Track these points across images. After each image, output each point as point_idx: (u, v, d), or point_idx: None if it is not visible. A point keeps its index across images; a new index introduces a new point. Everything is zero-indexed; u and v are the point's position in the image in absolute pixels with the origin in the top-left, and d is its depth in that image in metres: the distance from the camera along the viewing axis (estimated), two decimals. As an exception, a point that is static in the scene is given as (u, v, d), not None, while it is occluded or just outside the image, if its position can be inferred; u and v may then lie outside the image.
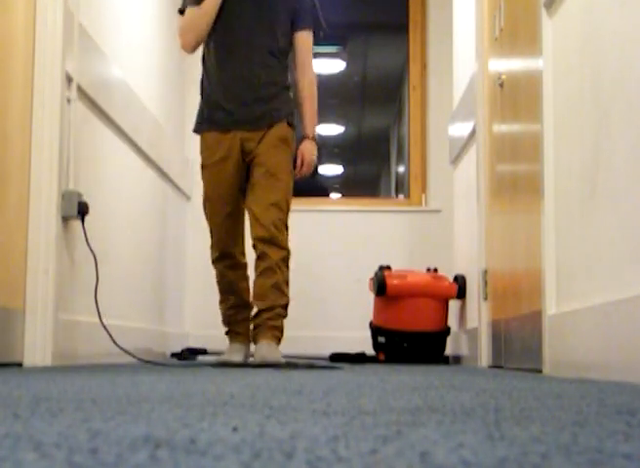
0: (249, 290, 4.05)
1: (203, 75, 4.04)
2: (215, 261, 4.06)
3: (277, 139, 3.98)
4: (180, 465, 0.61)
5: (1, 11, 3.17)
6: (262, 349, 3.82)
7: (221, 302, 4.12)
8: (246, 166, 3.99)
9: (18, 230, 3.33)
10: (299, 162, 4.11)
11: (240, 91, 3.94)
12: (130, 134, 4.52)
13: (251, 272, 3.99)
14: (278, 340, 3.90)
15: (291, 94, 4.07)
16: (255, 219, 3.91)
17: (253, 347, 4.00)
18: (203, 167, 4.05)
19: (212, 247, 4.04)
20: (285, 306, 3.92)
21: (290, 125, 4.03)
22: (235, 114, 3.95)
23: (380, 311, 5.14)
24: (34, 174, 3.42)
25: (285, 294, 3.92)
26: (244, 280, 4.09)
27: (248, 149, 3.97)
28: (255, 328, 3.92)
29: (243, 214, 4.06)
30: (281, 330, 3.92)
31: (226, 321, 4.11)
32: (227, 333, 4.12)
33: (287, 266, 3.93)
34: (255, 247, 3.91)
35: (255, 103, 3.95)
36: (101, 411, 1.05)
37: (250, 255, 4.01)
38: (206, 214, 4.04)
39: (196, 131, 4.09)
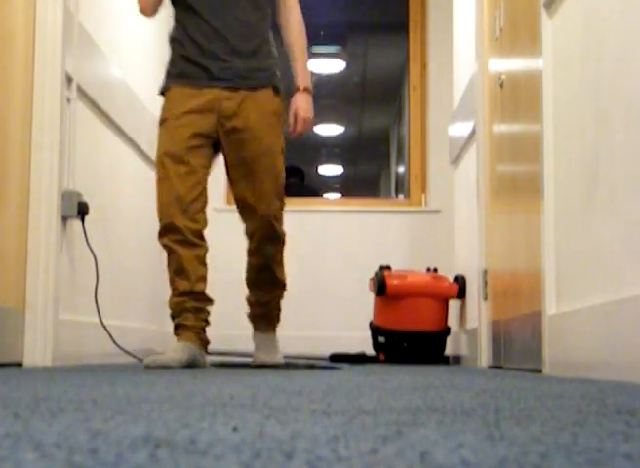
0: (205, 279, 3.41)
1: (173, 30, 3.53)
2: (160, 235, 3.38)
3: (270, 113, 3.46)
4: (180, 465, 0.61)
5: (1, 11, 3.17)
6: (261, 350, 3.69)
7: (172, 290, 3.41)
8: (219, 130, 3.41)
9: (18, 230, 3.33)
10: (291, 119, 3.51)
11: (217, 44, 3.41)
12: (130, 134, 4.52)
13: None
14: (274, 329, 3.74)
15: (273, 48, 3.53)
16: (250, 210, 3.46)
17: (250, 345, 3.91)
18: (161, 122, 3.42)
19: (158, 217, 3.40)
20: (282, 294, 3.70)
21: (276, 90, 3.49)
22: (212, 70, 3.41)
23: (380, 311, 5.14)
24: (34, 174, 3.42)
25: (284, 282, 3.66)
26: (200, 264, 3.39)
27: (226, 112, 3.40)
28: (252, 316, 3.71)
29: (202, 186, 3.40)
30: (279, 315, 3.74)
31: (174, 312, 3.41)
32: (174, 330, 3.44)
33: (283, 252, 3.60)
34: (250, 238, 3.52)
35: (234, 58, 3.42)
36: (101, 411, 1.05)
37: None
38: (158, 174, 3.39)
39: (162, 90, 3.49)
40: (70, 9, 3.61)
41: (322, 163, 13.42)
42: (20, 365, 3.31)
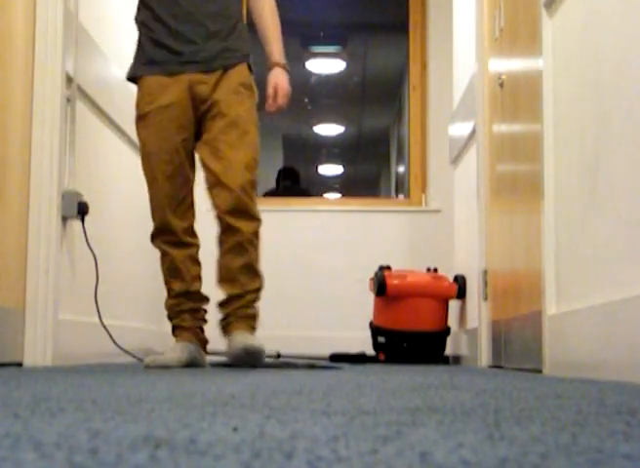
0: (199, 278, 3.39)
1: (139, 12, 3.44)
2: (153, 237, 3.37)
3: (238, 85, 3.31)
4: (180, 465, 0.61)
5: (1, 11, 3.17)
6: (237, 338, 3.22)
7: (167, 291, 3.41)
8: (197, 117, 3.32)
9: (18, 230, 3.33)
10: (271, 91, 3.38)
11: (187, 26, 3.30)
12: (130, 134, 4.52)
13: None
14: (253, 330, 3.30)
15: (245, 29, 3.44)
16: (218, 184, 3.23)
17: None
18: (140, 117, 3.36)
19: (152, 219, 3.37)
20: (259, 289, 3.33)
21: (250, 68, 3.38)
22: (184, 54, 3.30)
23: (380, 311, 5.14)
24: (34, 174, 3.42)
25: (258, 275, 3.32)
26: (193, 263, 3.36)
27: (201, 95, 3.29)
28: (224, 317, 3.32)
29: (190, 181, 3.36)
30: (256, 317, 3.33)
31: (170, 314, 3.41)
32: (172, 332, 3.43)
33: (259, 240, 3.30)
34: (220, 219, 3.26)
35: (207, 41, 3.31)
36: (101, 411, 1.05)
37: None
38: (146, 176, 3.34)
39: (132, 76, 3.41)
40: (70, 9, 3.61)
41: (322, 163, 13.42)
42: (20, 365, 3.31)
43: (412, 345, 5.06)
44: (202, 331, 3.42)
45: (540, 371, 3.11)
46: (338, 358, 5.13)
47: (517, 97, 3.73)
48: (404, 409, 1.14)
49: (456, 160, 5.33)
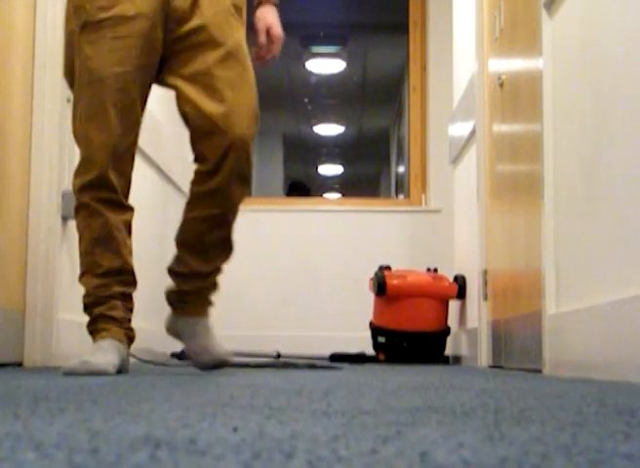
0: (131, 253, 2.62)
1: None
2: (82, 190, 2.51)
3: (232, 6, 2.59)
4: (180, 465, 0.61)
5: (1, 10, 3.17)
6: (201, 339, 2.62)
7: (87, 267, 2.54)
8: (167, 41, 2.54)
9: (18, 230, 3.33)
10: (262, 37, 2.66)
11: None
12: (130, 134, 4.52)
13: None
14: (209, 310, 2.71)
15: None
16: (214, 132, 2.48)
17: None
18: (87, 26, 2.48)
19: (80, 167, 2.53)
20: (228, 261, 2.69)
21: None
22: None
23: (379, 311, 5.14)
24: (34, 174, 3.42)
25: (232, 248, 2.66)
26: (128, 233, 2.64)
27: (177, 11, 2.52)
28: (181, 293, 2.67)
29: (139, 126, 2.59)
30: (214, 292, 2.71)
31: (92, 299, 2.53)
32: (91, 325, 2.53)
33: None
34: (203, 175, 2.54)
35: None
36: (101, 411, 1.05)
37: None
38: (85, 111, 2.50)
39: None
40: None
41: (322, 163, 13.43)
42: (20, 365, 3.31)
43: (412, 345, 5.06)
44: (130, 322, 2.62)
45: (539, 371, 3.11)
46: (338, 358, 5.13)
47: (517, 97, 3.73)
48: (404, 409, 1.14)
49: (456, 160, 5.33)
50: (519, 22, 3.70)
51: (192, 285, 2.66)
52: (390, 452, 0.68)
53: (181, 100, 2.54)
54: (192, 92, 2.51)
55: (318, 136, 12.04)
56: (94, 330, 2.53)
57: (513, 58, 3.88)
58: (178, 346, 5.66)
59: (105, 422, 0.91)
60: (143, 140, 4.78)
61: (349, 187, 13.79)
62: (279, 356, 5.13)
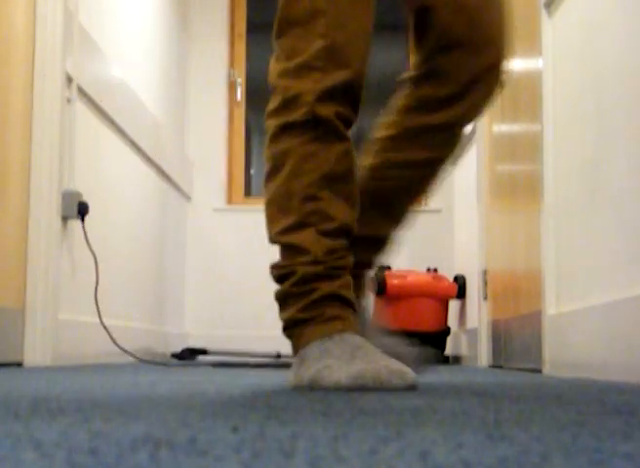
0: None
1: None
2: (321, 98, 1.79)
3: None
4: (180, 465, 0.61)
5: (1, 11, 3.17)
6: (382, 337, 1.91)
7: (304, 221, 1.73)
8: None
9: (18, 230, 3.33)
10: None
11: None
12: (130, 133, 4.52)
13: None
14: None
15: None
16: (466, 58, 1.96)
17: None
18: None
19: (326, 64, 1.75)
20: None
21: None
22: None
23: (380, 311, 5.14)
24: (34, 174, 3.42)
25: None
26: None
27: None
28: (369, 272, 2.10)
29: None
30: None
31: (320, 270, 1.69)
32: (312, 309, 1.70)
33: None
34: (456, 98, 1.99)
35: None
36: (101, 411, 1.05)
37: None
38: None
39: None
40: (70, 9, 3.61)
41: None
42: (20, 365, 3.31)
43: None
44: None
45: (539, 371, 3.11)
46: (338, 358, 5.12)
47: (517, 96, 3.73)
48: (404, 409, 1.14)
49: (455, 160, 5.33)
50: (519, 22, 3.69)
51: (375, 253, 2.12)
52: (390, 452, 0.68)
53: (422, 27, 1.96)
54: (444, 12, 1.91)
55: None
56: (316, 315, 1.69)
57: (513, 57, 3.88)
58: (178, 346, 5.66)
59: (105, 422, 0.91)
60: (143, 140, 4.79)
61: (349, 187, 13.78)
62: (279, 356, 5.13)
